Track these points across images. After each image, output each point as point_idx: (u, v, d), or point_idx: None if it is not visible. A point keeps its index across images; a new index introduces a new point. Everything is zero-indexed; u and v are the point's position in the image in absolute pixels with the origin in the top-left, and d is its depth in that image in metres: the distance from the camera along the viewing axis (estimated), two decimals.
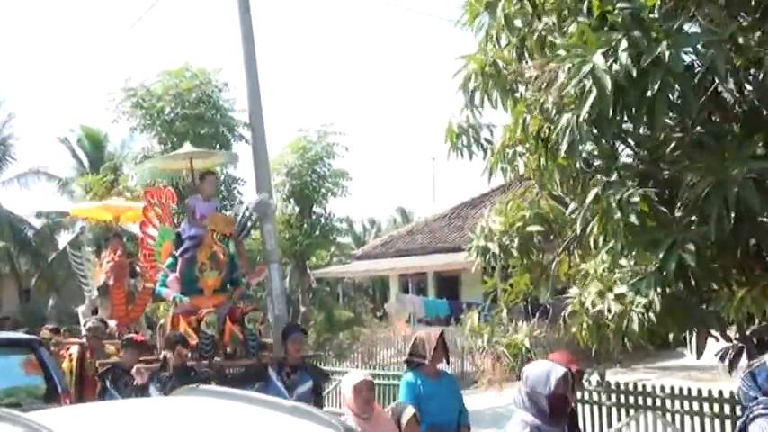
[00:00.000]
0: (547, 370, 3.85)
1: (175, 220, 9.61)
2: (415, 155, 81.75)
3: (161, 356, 7.51)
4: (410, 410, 5.04)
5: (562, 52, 4.37)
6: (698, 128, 4.92)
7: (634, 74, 4.07)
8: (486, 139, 6.04)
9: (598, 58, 4.13)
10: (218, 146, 16.93)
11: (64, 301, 30.76)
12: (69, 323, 27.87)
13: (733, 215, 4.24)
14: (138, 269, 10.58)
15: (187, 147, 9.47)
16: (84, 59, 69.56)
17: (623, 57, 4.09)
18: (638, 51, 4.10)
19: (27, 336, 8.85)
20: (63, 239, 32.97)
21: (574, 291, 5.79)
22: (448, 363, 6.29)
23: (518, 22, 5.38)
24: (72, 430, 2.84)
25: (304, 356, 7.54)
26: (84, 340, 9.01)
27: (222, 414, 3.37)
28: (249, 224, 8.75)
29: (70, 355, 8.74)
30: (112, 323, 9.95)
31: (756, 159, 4.33)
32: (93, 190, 18.14)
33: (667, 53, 4.02)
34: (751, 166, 4.27)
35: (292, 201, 18.47)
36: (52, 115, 64.30)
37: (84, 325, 9.11)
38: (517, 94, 5.79)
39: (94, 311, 10.75)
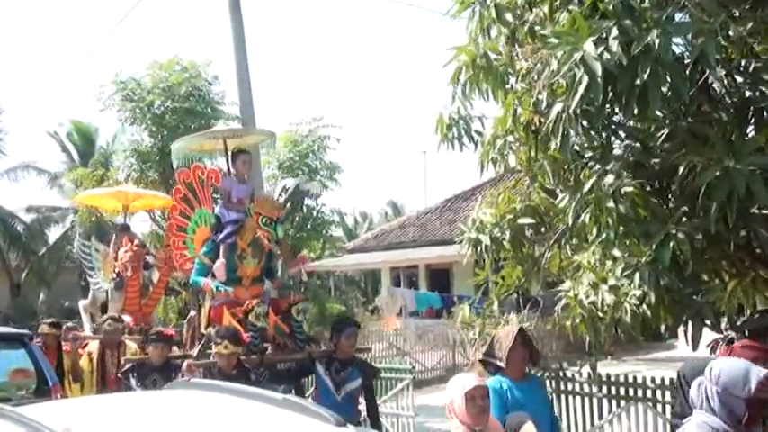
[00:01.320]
0: (745, 368, 3.35)
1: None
2: (407, 148, 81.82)
3: (191, 352, 7.03)
4: (530, 427, 4.36)
5: (553, 40, 4.37)
6: (688, 118, 4.94)
7: (624, 62, 4.08)
8: (476, 131, 6.03)
9: (589, 46, 4.13)
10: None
11: (54, 296, 30.73)
12: (60, 318, 27.94)
13: (735, 207, 4.25)
14: (150, 261, 10.16)
15: (220, 125, 8.82)
16: (74, 53, 69.27)
17: (614, 45, 4.09)
18: (628, 39, 4.11)
19: (17, 330, 8.82)
20: (53, 234, 32.91)
21: (567, 284, 5.79)
22: (535, 364, 5.65)
23: (509, 15, 5.37)
24: (62, 423, 2.82)
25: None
26: (103, 336, 8.25)
27: (214, 407, 3.36)
28: (294, 207, 8.00)
29: (89, 353, 8.07)
30: (127, 318, 9.21)
31: (759, 154, 4.34)
32: (84, 184, 18.04)
33: (657, 41, 4.02)
34: (754, 160, 4.28)
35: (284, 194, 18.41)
36: (42, 109, 64.00)
37: (104, 322, 8.28)
38: (508, 86, 5.78)
39: (103, 306, 10.19)
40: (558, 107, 4.48)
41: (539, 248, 6.56)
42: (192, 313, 8.33)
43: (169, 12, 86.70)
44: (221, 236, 7.44)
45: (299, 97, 74.99)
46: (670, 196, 5.16)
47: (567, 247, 6.16)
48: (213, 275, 7.32)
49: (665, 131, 4.99)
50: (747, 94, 5.01)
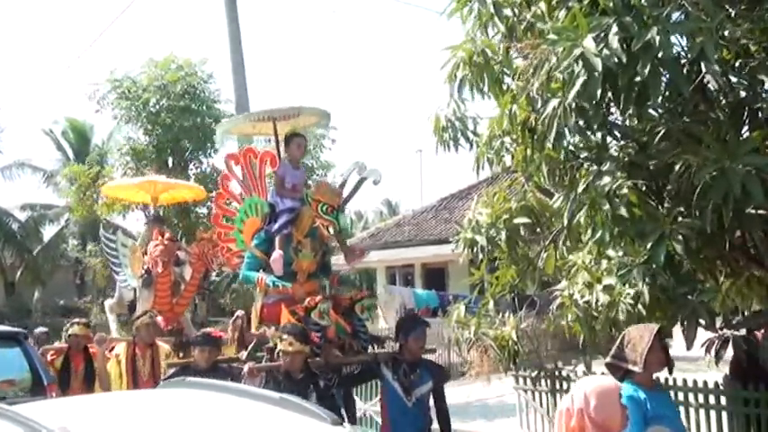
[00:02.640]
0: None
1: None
2: (402, 147, 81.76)
3: (239, 355, 6.52)
4: None
5: (553, 36, 4.37)
6: (684, 118, 4.95)
7: (624, 59, 4.08)
8: (472, 132, 6.03)
9: (589, 42, 4.13)
10: (202, 137, 16.94)
11: (49, 294, 30.68)
12: (54, 317, 27.90)
13: (731, 207, 4.26)
14: (181, 257, 9.32)
15: (269, 106, 7.95)
16: (69, 50, 69.10)
17: (614, 41, 4.09)
18: (628, 36, 4.11)
19: (12, 329, 8.77)
20: (48, 232, 32.87)
21: (562, 283, 5.80)
22: (671, 371, 4.95)
23: (507, 11, 5.36)
24: (58, 422, 2.82)
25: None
26: (133, 338, 7.49)
27: (210, 406, 3.36)
28: (352, 194, 7.06)
29: (117, 356, 7.33)
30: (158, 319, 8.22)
31: (754, 154, 4.35)
32: (79, 182, 18.02)
33: (657, 39, 4.03)
34: (749, 160, 4.29)
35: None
36: (37, 107, 63.84)
37: (136, 319, 7.53)
38: (504, 86, 5.79)
39: (131, 305, 9.49)
40: (554, 103, 4.49)
41: (534, 248, 6.56)
42: (239, 313, 7.86)
43: (165, 9, 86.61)
44: (276, 226, 6.77)
45: (296, 96, 74.96)
46: (665, 196, 5.17)
47: (563, 246, 6.17)
48: (265, 270, 6.72)
49: (661, 131, 5.00)
50: (743, 94, 5.02)
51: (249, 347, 6.52)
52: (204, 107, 16.95)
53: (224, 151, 14.40)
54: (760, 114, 4.99)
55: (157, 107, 16.64)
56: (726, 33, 4.48)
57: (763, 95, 4.95)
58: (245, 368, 5.86)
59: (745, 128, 5.03)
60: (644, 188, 4.98)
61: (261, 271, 6.71)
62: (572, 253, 5.99)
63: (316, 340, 6.05)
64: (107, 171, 17.93)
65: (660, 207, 5.05)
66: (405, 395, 5.93)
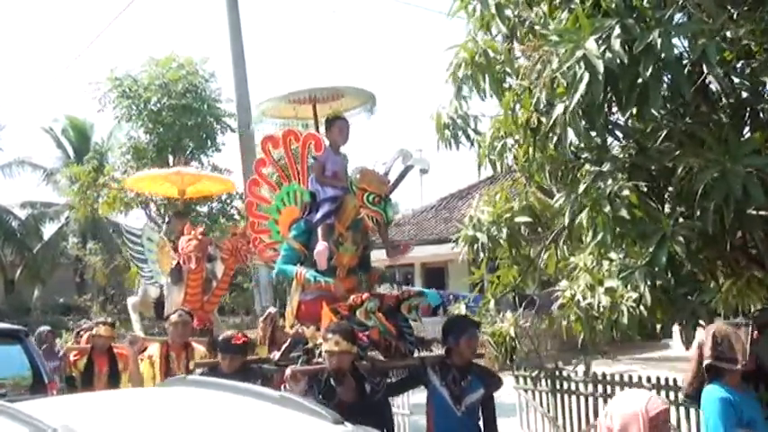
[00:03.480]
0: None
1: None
2: (401, 146, 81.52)
3: (271, 355, 6.03)
4: None
5: (555, 37, 4.37)
6: (686, 119, 4.96)
7: (626, 60, 4.09)
8: (474, 130, 6.04)
9: (591, 44, 4.13)
10: (204, 136, 16.96)
11: (49, 293, 30.68)
12: (53, 315, 27.91)
13: (732, 209, 4.26)
14: (211, 252, 8.83)
15: (309, 84, 7.03)
16: (70, 48, 69.08)
17: (616, 43, 4.10)
18: (630, 38, 4.12)
19: (14, 326, 8.78)
20: (48, 230, 32.87)
21: (563, 284, 5.81)
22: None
23: (509, 12, 5.37)
24: (60, 420, 2.82)
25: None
26: (168, 338, 7.01)
27: (211, 405, 3.36)
28: (397, 183, 6.40)
29: (150, 357, 6.82)
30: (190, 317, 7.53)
31: (755, 155, 4.36)
32: (80, 180, 18.03)
33: (659, 41, 4.03)
34: (751, 161, 4.30)
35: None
36: (37, 105, 63.85)
37: (167, 318, 7.11)
38: (506, 85, 5.79)
39: (157, 303, 9.05)
40: (558, 106, 4.50)
41: (535, 248, 6.58)
42: (271, 309, 7.27)
43: (166, 7, 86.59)
44: (318, 216, 6.20)
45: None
46: (667, 197, 5.18)
47: (564, 246, 6.18)
48: (303, 263, 6.18)
49: (663, 132, 5.01)
50: (744, 95, 5.03)
51: (283, 347, 6.01)
52: (205, 106, 16.96)
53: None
54: (762, 115, 5.00)
55: (158, 106, 16.64)
56: (728, 34, 4.49)
57: (765, 96, 4.96)
58: (288, 371, 5.21)
59: (747, 129, 5.04)
60: (645, 189, 4.99)
61: (298, 264, 6.18)
62: (573, 253, 6.01)
63: (364, 340, 5.55)
64: (108, 170, 17.94)
65: (661, 208, 5.06)
66: (454, 403, 5.41)
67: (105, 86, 16.76)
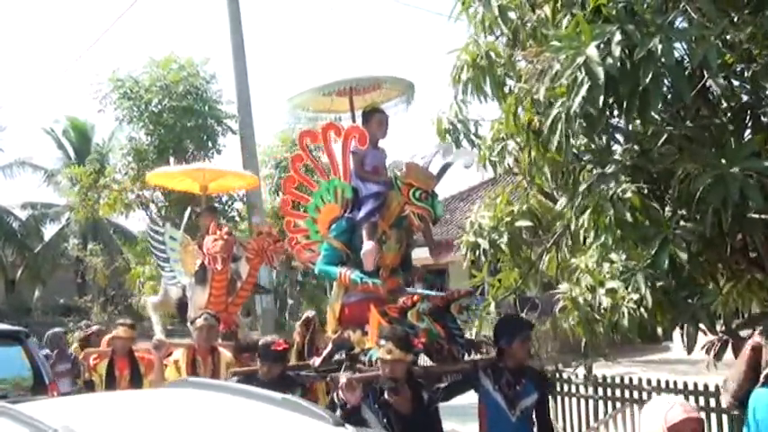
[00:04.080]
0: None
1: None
2: (402, 148, 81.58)
3: (311, 362, 5.74)
4: None
5: (556, 43, 4.39)
6: (687, 123, 4.96)
7: (628, 65, 4.10)
8: (475, 135, 6.05)
9: (592, 50, 4.15)
10: (204, 138, 16.97)
11: (49, 293, 30.69)
12: (54, 316, 27.91)
13: (730, 212, 4.27)
14: (235, 252, 8.30)
15: (344, 75, 6.55)
16: (71, 49, 69.12)
17: (617, 50, 4.11)
18: (631, 44, 4.13)
19: (14, 327, 8.78)
20: (49, 231, 32.90)
21: (564, 286, 5.81)
22: None
23: (512, 14, 5.38)
24: (60, 420, 2.82)
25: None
26: (193, 342, 6.71)
27: (212, 406, 3.37)
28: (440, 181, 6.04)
29: (176, 362, 6.52)
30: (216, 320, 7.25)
31: (754, 158, 4.37)
32: (81, 182, 18.04)
33: (660, 46, 4.04)
34: (749, 164, 4.30)
35: (281, 193, 18.47)
36: (38, 105, 63.89)
37: (193, 322, 6.83)
38: (506, 88, 5.81)
39: (180, 304, 8.68)
40: (558, 109, 4.51)
41: (536, 251, 6.59)
42: (309, 313, 7.11)
43: (167, 8, 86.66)
44: (362, 213, 5.84)
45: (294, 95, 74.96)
46: (667, 200, 5.19)
47: (565, 249, 6.19)
48: (345, 263, 5.86)
49: (663, 136, 5.02)
50: (744, 98, 5.04)
51: (324, 353, 5.69)
52: (206, 108, 16.97)
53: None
54: (762, 119, 5.00)
55: (159, 107, 16.65)
56: (728, 38, 4.50)
57: (766, 100, 4.96)
58: (342, 380, 4.73)
59: (748, 132, 5.04)
60: (646, 192, 5.00)
61: (340, 265, 5.84)
62: (574, 256, 6.01)
63: (419, 346, 5.21)
64: (108, 171, 17.95)
65: (662, 211, 5.07)
66: (508, 408, 5.10)
67: (107, 87, 16.78)
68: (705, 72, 4.29)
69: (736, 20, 4.66)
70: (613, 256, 5.22)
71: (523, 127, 5.34)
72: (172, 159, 16.91)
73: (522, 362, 5.24)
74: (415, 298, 5.42)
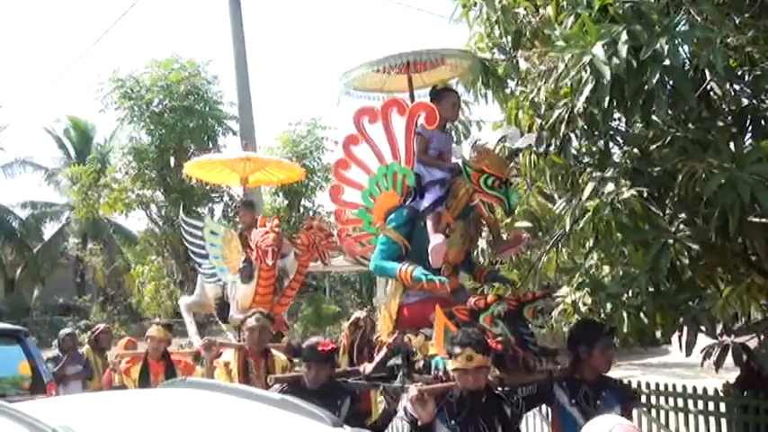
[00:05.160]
0: None
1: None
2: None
3: (361, 367, 5.25)
4: None
5: (561, 42, 4.37)
6: (689, 125, 4.97)
7: (634, 65, 4.09)
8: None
9: (598, 50, 4.13)
10: (205, 138, 16.95)
11: (49, 293, 30.70)
12: (53, 315, 27.90)
13: (738, 216, 4.27)
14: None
15: (402, 46, 5.59)
16: (72, 49, 69.16)
17: (623, 50, 4.09)
18: (637, 44, 4.12)
19: (13, 326, 8.78)
20: (49, 230, 32.88)
21: (564, 289, 5.81)
22: None
23: (520, 10, 5.37)
24: (59, 420, 2.82)
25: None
26: (245, 343, 6.22)
27: (210, 406, 3.36)
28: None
29: (226, 364, 6.00)
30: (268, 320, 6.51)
31: (762, 163, 4.36)
32: (81, 181, 18.02)
33: (666, 47, 4.04)
34: (757, 168, 4.30)
35: (281, 194, 18.47)
36: (39, 105, 63.92)
37: (244, 322, 6.31)
38: (507, 90, 5.81)
39: (219, 304, 8.11)
40: (560, 110, 4.50)
41: (535, 252, 6.59)
42: (359, 313, 6.38)
43: (169, 8, 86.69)
44: (426, 203, 5.16)
45: (299, 97, 74.98)
46: (668, 203, 5.19)
47: (564, 251, 6.19)
48: (404, 258, 5.18)
49: (665, 138, 5.02)
50: (745, 102, 5.05)
51: (377, 359, 5.16)
52: (208, 108, 16.96)
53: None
54: (763, 122, 5.01)
55: (160, 107, 16.64)
56: (730, 41, 4.50)
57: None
58: (412, 391, 4.13)
59: (748, 136, 5.05)
60: (646, 195, 5.01)
61: (399, 260, 5.19)
62: (573, 258, 6.01)
63: (498, 349, 4.58)
64: (109, 171, 17.94)
65: (663, 214, 5.07)
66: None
67: (108, 87, 16.76)
68: (707, 74, 4.29)
69: (738, 23, 4.67)
70: (613, 260, 5.22)
71: (524, 129, 5.34)
72: (172, 159, 16.90)
73: (601, 372, 4.64)
74: (489, 299, 4.82)
